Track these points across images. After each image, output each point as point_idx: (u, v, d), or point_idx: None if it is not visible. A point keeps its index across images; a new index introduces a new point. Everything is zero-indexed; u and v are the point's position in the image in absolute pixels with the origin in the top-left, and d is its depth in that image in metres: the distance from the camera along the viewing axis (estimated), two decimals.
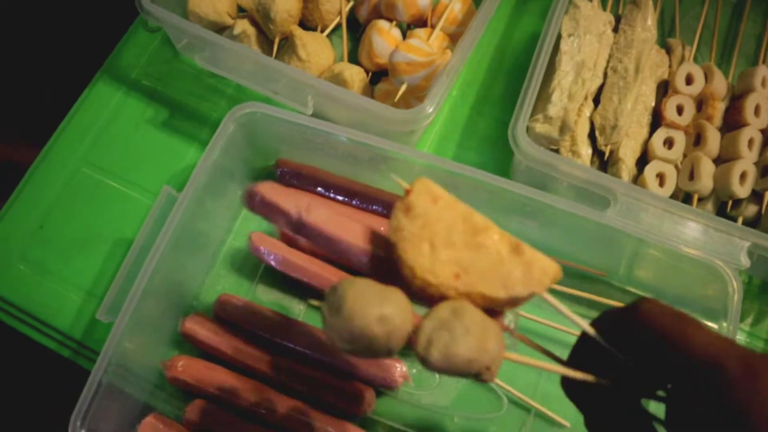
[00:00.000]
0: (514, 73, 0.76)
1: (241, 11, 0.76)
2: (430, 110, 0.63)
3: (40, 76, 0.87)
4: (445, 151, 0.73)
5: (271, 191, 0.42)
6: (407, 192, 0.38)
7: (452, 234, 0.38)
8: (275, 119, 0.63)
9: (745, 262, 0.60)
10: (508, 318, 0.56)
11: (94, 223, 0.71)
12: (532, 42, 0.78)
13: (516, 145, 0.63)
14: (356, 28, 0.77)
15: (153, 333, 0.63)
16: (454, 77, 0.65)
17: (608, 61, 0.71)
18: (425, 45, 0.66)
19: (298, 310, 0.66)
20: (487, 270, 0.37)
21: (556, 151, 0.68)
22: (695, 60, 0.76)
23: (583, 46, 0.69)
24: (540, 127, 0.65)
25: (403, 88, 0.66)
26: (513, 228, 0.65)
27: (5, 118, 0.87)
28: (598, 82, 0.70)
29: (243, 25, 0.72)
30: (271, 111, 0.63)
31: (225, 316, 0.64)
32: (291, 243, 0.66)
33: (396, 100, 0.67)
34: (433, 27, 0.72)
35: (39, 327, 0.68)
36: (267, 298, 0.67)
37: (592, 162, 0.68)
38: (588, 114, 0.69)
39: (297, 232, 0.42)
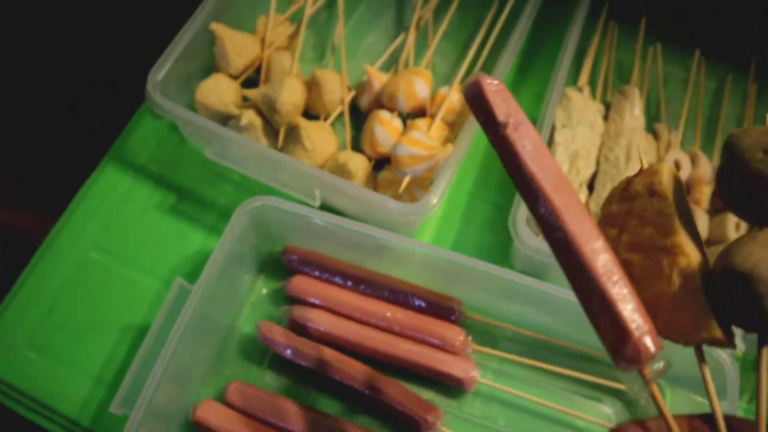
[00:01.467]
0: None
1: (245, 100, 0.79)
2: (434, 203, 0.66)
3: (49, 155, 0.89)
4: (445, 235, 0.76)
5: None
6: (644, 171, 0.37)
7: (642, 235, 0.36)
8: (284, 212, 0.66)
9: (740, 346, 0.62)
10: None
11: (103, 308, 0.72)
12: None
13: (516, 235, 0.66)
14: (358, 115, 0.80)
15: (164, 422, 0.64)
16: (455, 169, 0.68)
17: (600, 150, 0.75)
18: (426, 138, 0.69)
19: (308, 396, 0.68)
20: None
21: None
22: (682, 144, 0.79)
23: (577, 136, 0.72)
24: None
25: (407, 180, 0.69)
26: (514, 311, 0.68)
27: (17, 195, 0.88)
28: (592, 169, 0.73)
29: (249, 116, 0.74)
30: (280, 204, 0.66)
31: (236, 403, 0.65)
32: (300, 331, 0.68)
33: (400, 192, 0.69)
34: (432, 117, 0.76)
35: (45, 413, 0.69)
36: (276, 384, 0.68)
37: None
38: (583, 201, 0.72)
39: None
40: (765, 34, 0.86)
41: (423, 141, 0.69)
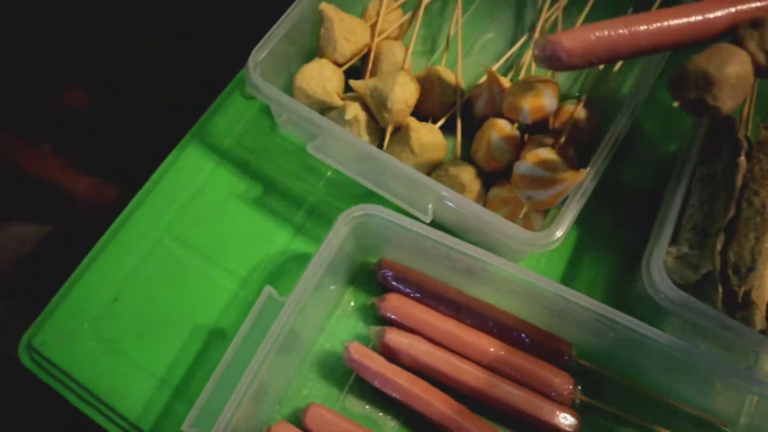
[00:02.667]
0: (632, 184, 0.72)
1: (347, 90, 0.71)
2: (560, 235, 0.58)
3: (136, 127, 0.83)
4: (555, 263, 0.68)
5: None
6: None
7: None
8: (388, 223, 0.59)
9: None
10: None
11: (173, 303, 0.66)
12: (651, 149, 0.73)
13: (649, 278, 0.58)
14: (470, 121, 0.72)
15: None
16: (585, 199, 0.60)
17: (742, 191, 0.66)
18: (556, 159, 0.61)
19: (390, 427, 0.61)
20: None
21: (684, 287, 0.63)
22: None
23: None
24: (672, 263, 0.60)
25: (528, 204, 0.61)
26: (630, 362, 0.60)
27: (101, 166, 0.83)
28: (731, 213, 0.65)
29: (355, 110, 0.67)
30: (388, 216, 0.58)
31: (314, 429, 0.58)
32: (390, 357, 0.61)
33: (521, 216, 0.62)
34: (555, 131, 0.68)
35: (103, 410, 0.63)
36: (357, 410, 0.61)
37: (722, 301, 0.63)
38: (719, 248, 0.64)
39: None
40: None
41: (553, 161, 0.61)
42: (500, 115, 0.69)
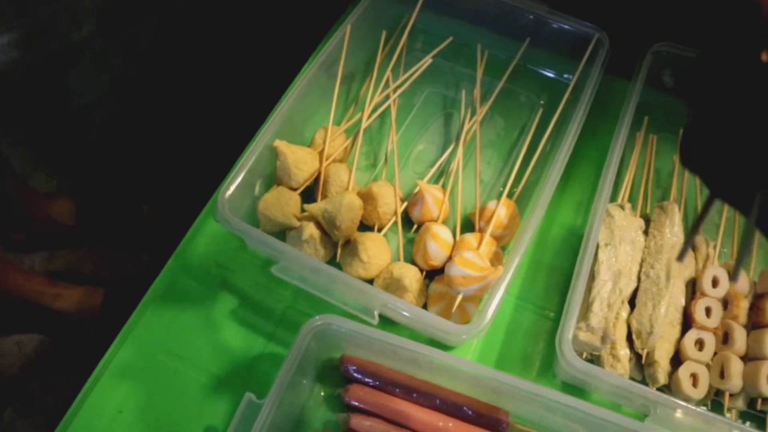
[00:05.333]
0: (553, 269, 0.84)
1: (303, 210, 0.84)
2: (485, 323, 0.70)
3: (121, 262, 0.95)
4: (492, 343, 0.80)
5: None
6: None
7: None
8: (345, 329, 0.71)
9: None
10: None
11: (172, 411, 0.77)
12: (567, 237, 0.86)
13: (562, 355, 0.70)
14: (410, 224, 0.85)
15: None
16: (505, 291, 0.72)
17: (641, 266, 0.79)
18: (479, 259, 0.74)
19: None
20: None
21: (599, 355, 0.75)
22: (720, 255, 0.83)
23: (619, 255, 0.77)
24: (583, 336, 0.72)
25: (459, 298, 0.73)
26: (560, 424, 0.71)
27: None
28: (633, 285, 0.77)
29: (310, 230, 0.79)
30: (341, 323, 0.70)
31: None
32: None
33: (453, 310, 0.74)
34: (481, 231, 0.80)
35: None
36: None
37: (630, 360, 0.75)
38: (625, 316, 0.76)
39: None
40: None
41: (475, 262, 0.73)
42: (434, 219, 0.82)
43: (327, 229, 0.80)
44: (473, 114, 0.90)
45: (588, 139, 0.92)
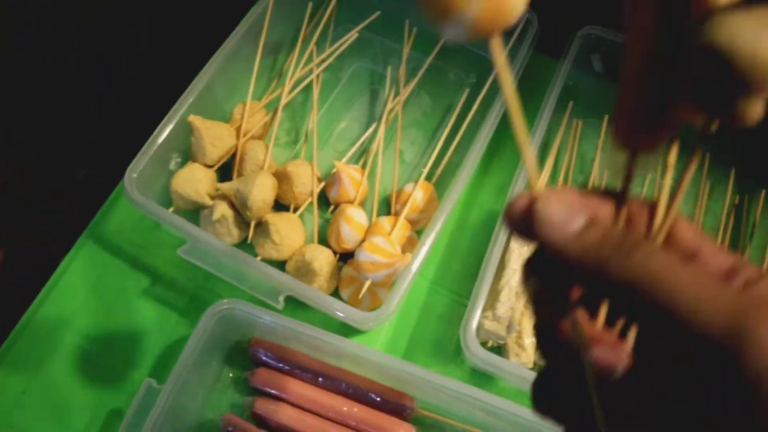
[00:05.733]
0: (470, 254, 0.84)
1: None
2: (390, 310, 0.70)
3: (32, 231, 0.92)
4: (404, 327, 0.80)
5: None
6: None
7: None
8: (249, 314, 0.70)
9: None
10: None
11: (77, 392, 0.76)
12: (487, 221, 0.85)
13: (465, 344, 0.70)
14: (327, 205, 0.84)
15: None
16: (413, 278, 0.72)
17: None
18: (388, 245, 0.73)
19: None
20: None
21: (505, 344, 0.75)
22: None
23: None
24: (489, 324, 0.72)
25: (368, 284, 0.73)
26: (464, 410, 0.72)
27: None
28: None
29: (222, 209, 0.78)
30: (245, 308, 0.70)
31: None
32: (261, 423, 0.72)
33: (360, 297, 0.74)
34: (396, 215, 0.80)
35: None
36: None
37: (536, 349, 0.76)
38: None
39: None
40: (718, 133, 0.90)
41: (384, 248, 0.73)
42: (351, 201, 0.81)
43: (239, 209, 0.78)
44: (399, 92, 0.89)
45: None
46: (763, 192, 0.88)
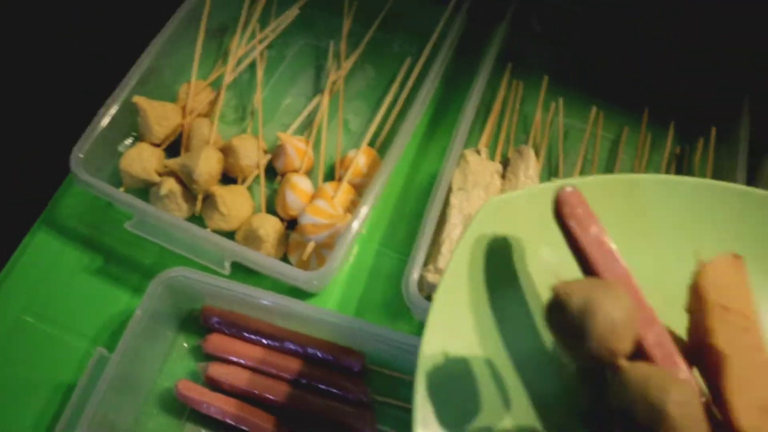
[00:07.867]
0: (416, 216, 0.85)
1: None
2: (333, 268, 0.72)
3: None
4: (354, 287, 0.82)
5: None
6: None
7: None
8: (197, 281, 0.72)
9: None
10: None
11: (36, 370, 0.77)
12: (433, 182, 0.87)
13: (407, 295, 0.72)
14: (275, 176, 0.86)
15: None
16: (353, 237, 0.74)
17: None
18: (329, 207, 0.75)
19: None
20: None
21: None
22: None
23: (472, 199, 0.78)
24: (431, 277, 0.74)
25: (311, 245, 0.75)
26: (413, 363, 0.74)
27: None
28: None
29: (169, 185, 0.80)
30: (193, 275, 0.72)
31: None
32: (216, 387, 0.74)
33: (304, 258, 0.76)
34: (340, 180, 0.82)
35: None
36: None
37: None
38: None
39: None
40: (657, 88, 0.93)
41: (325, 210, 0.75)
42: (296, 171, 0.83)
43: (187, 184, 0.80)
44: (341, 65, 0.91)
45: (457, 87, 0.93)
46: (702, 141, 0.90)
